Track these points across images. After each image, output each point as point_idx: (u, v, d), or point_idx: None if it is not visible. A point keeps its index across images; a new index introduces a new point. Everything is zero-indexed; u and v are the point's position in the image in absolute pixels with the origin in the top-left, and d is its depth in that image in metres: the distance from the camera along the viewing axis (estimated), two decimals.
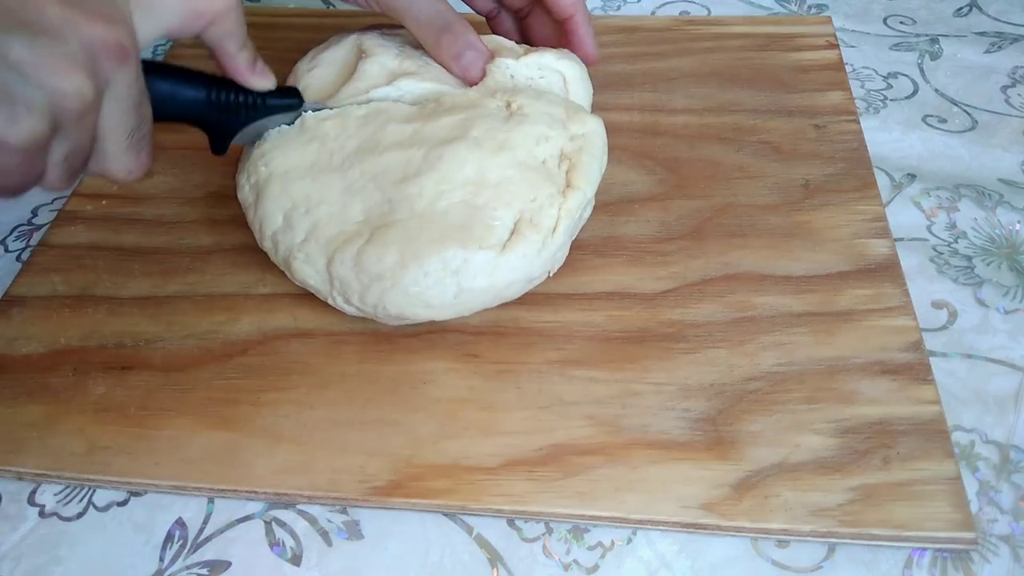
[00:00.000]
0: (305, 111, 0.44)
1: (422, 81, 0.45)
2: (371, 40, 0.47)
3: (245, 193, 0.44)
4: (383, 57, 0.46)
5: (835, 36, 0.60)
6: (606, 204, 0.48)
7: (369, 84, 0.45)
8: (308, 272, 0.42)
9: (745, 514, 0.36)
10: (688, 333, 0.43)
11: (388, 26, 0.49)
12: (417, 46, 0.47)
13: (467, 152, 0.42)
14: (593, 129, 0.44)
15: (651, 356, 0.42)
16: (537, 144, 0.43)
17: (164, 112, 0.40)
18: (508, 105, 0.44)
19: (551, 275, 0.43)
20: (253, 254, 0.46)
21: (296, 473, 0.38)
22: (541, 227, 0.41)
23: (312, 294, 0.44)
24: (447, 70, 0.46)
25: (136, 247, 0.48)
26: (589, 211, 0.44)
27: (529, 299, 0.43)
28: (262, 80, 0.42)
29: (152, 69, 0.38)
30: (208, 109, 0.41)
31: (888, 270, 0.45)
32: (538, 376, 0.41)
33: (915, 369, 0.40)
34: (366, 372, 0.42)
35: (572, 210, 0.42)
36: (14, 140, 0.32)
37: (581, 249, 0.45)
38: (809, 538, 0.36)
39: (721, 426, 0.39)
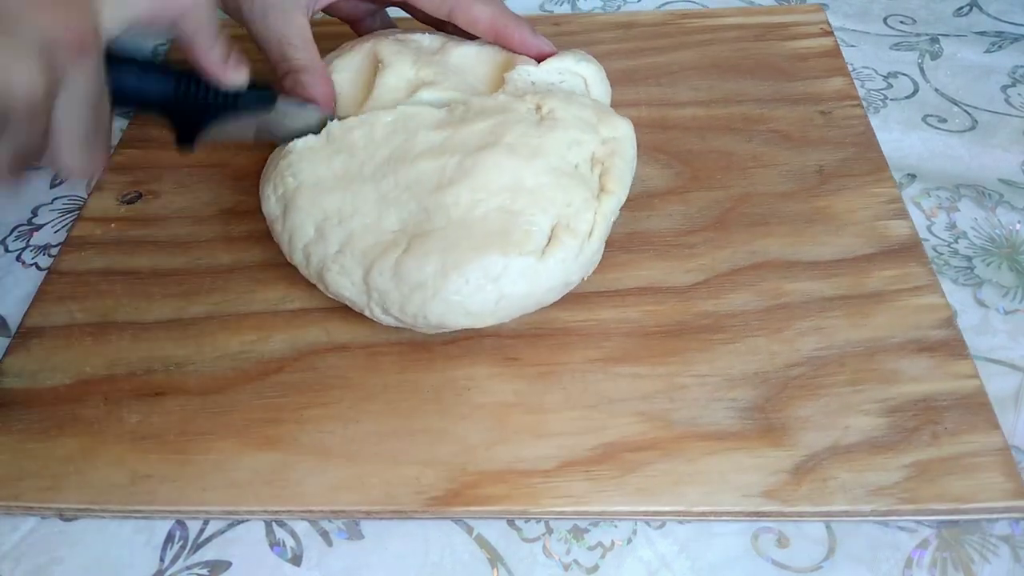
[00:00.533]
0: (279, 108, 0.42)
1: (443, 91, 0.45)
2: (387, 48, 0.46)
3: (271, 206, 0.43)
4: (400, 67, 0.45)
5: (828, 23, 0.61)
6: (626, 200, 0.48)
7: (390, 99, 0.44)
8: (344, 284, 0.41)
9: (806, 499, 0.36)
10: (725, 323, 0.43)
11: (403, 29, 0.49)
12: (434, 51, 0.47)
13: (501, 159, 0.41)
14: (624, 133, 0.44)
15: (691, 348, 0.42)
16: (569, 149, 0.43)
17: (127, 103, 0.38)
18: (538, 108, 0.44)
19: (586, 278, 0.43)
20: (275, 270, 0.46)
21: (351, 489, 0.38)
22: (578, 232, 0.41)
23: (342, 307, 0.43)
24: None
25: (153, 270, 0.47)
26: (618, 212, 0.44)
27: (562, 299, 0.43)
28: (235, 76, 0.40)
29: (115, 58, 0.36)
30: (175, 103, 0.39)
31: (911, 249, 0.46)
32: (581, 375, 0.41)
33: (951, 345, 0.41)
34: (407, 382, 0.41)
35: (607, 214, 0.42)
36: None
37: (607, 246, 0.45)
38: (870, 518, 0.36)
39: (770, 413, 0.39)
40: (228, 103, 0.40)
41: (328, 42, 0.50)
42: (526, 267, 0.40)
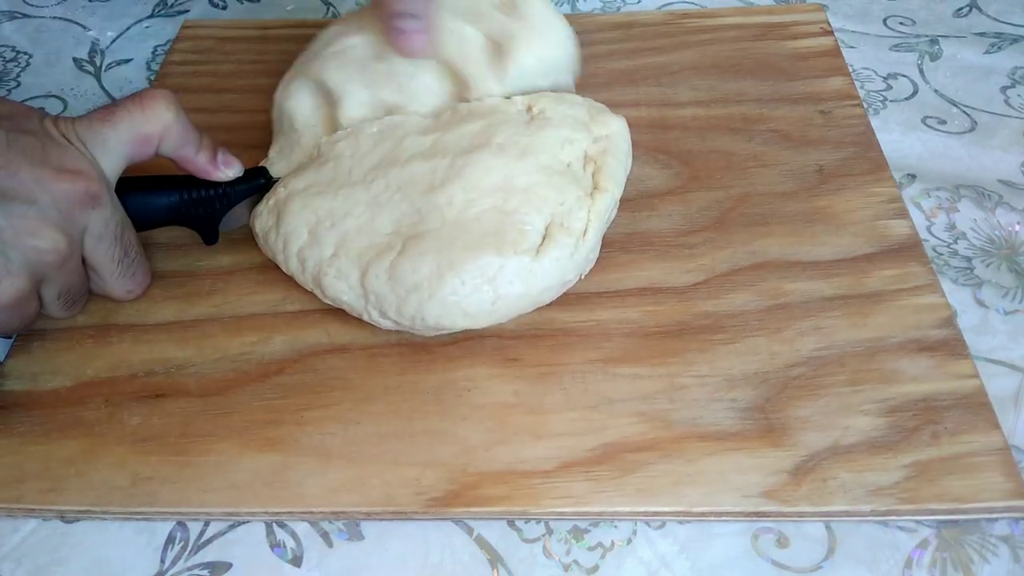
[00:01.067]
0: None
1: (410, 118, 0.45)
2: (331, 74, 0.46)
3: (264, 219, 0.44)
4: (355, 96, 0.45)
5: (828, 23, 0.61)
6: (626, 200, 0.48)
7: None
8: (341, 288, 0.41)
9: (805, 499, 0.36)
10: (725, 324, 0.43)
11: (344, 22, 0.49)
12: (375, 59, 0.46)
13: (492, 159, 0.42)
14: (617, 130, 0.45)
15: (691, 349, 0.42)
16: (561, 148, 0.43)
17: (145, 224, 0.43)
18: (529, 108, 0.44)
19: (582, 277, 0.43)
20: (276, 271, 0.46)
21: (351, 490, 0.38)
22: (572, 230, 0.41)
23: (342, 308, 0.43)
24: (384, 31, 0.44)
25: (153, 271, 0.47)
26: (615, 211, 0.44)
27: (562, 300, 0.43)
28: (228, 171, 0.44)
29: (122, 188, 0.41)
30: (185, 210, 0.44)
31: (911, 249, 0.46)
32: (581, 376, 0.41)
33: (951, 345, 0.41)
34: (407, 383, 0.41)
35: (601, 212, 0.42)
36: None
37: (607, 247, 0.45)
38: (870, 518, 0.36)
39: (770, 414, 0.39)
40: (229, 194, 0.44)
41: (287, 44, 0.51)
42: (521, 266, 0.40)
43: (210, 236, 0.45)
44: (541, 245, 0.41)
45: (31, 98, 0.61)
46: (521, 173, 0.41)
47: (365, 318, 0.42)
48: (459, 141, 0.42)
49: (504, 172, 0.41)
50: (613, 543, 0.37)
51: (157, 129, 0.41)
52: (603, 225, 0.43)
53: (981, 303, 0.45)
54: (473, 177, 0.41)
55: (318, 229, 0.42)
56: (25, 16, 0.69)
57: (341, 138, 0.44)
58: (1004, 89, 0.57)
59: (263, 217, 0.44)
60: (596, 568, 0.37)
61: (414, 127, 0.44)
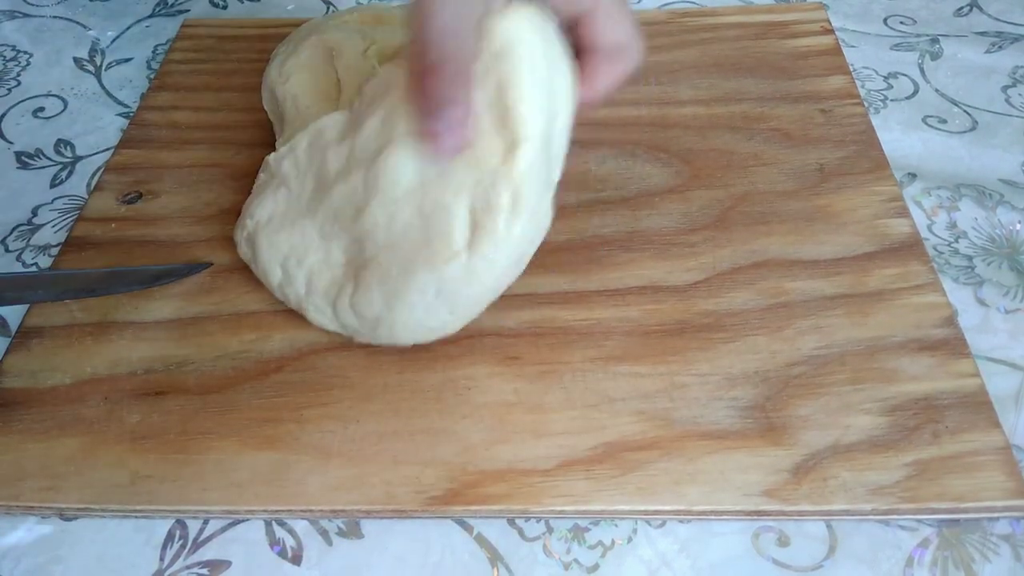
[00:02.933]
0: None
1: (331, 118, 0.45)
2: (334, 33, 0.48)
3: (243, 249, 0.44)
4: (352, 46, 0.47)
5: (828, 22, 0.61)
6: (626, 199, 0.49)
7: (355, 81, 0.46)
8: (322, 321, 0.42)
9: (806, 498, 0.36)
10: (725, 322, 0.43)
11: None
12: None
13: (398, 155, 0.38)
14: (512, 37, 0.34)
15: (692, 347, 0.42)
16: None
17: None
18: None
19: (545, 241, 0.39)
20: None
21: (351, 489, 0.37)
22: (499, 207, 0.36)
23: None
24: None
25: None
26: (564, 145, 0.38)
27: (561, 298, 0.43)
28: None
29: None
30: None
31: (912, 248, 0.45)
32: (582, 375, 0.41)
33: (952, 344, 0.41)
34: (407, 382, 0.41)
35: (525, 173, 0.35)
36: None
37: (608, 245, 0.45)
38: (871, 517, 0.36)
39: (771, 412, 0.39)
40: None
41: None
42: (459, 269, 0.37)
43: None
44: (472, 238, 0.37)
45: (31, 97, 0.61)
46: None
47: (355, 339, 0.42)
48: (367, 144, 0.39)
49: (413, 165, 0.37)
50: (613, 542, 0.37)
51: None
52: (539, 185, 0.36)
53: (982, 302, 0.45)
54: (386, 188, 0.38)
55: (287, 265, 0.42)
56: (25, 15, 0.69)
57: (284, 156, 0.43)
58: (1005, 88, 0.57)
59: (242, 247, 0.44)
60: (596, 567, 0.37)
61: (333, 133, 0.41)
